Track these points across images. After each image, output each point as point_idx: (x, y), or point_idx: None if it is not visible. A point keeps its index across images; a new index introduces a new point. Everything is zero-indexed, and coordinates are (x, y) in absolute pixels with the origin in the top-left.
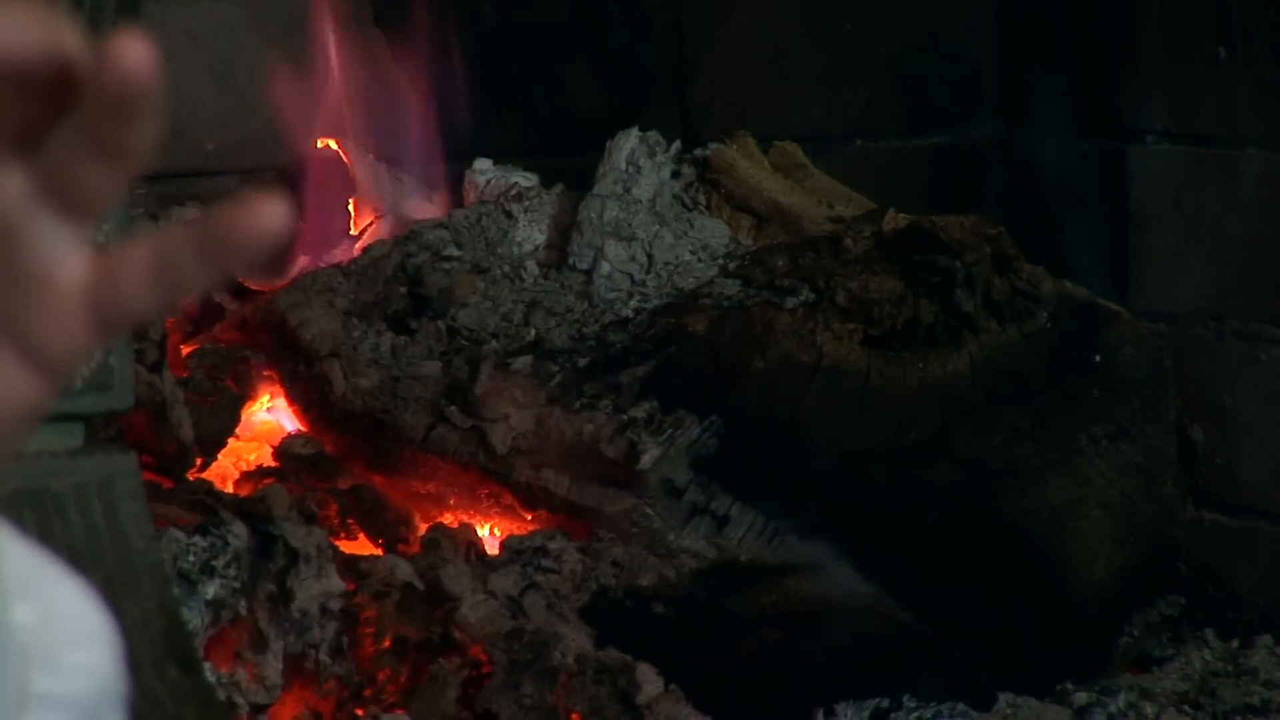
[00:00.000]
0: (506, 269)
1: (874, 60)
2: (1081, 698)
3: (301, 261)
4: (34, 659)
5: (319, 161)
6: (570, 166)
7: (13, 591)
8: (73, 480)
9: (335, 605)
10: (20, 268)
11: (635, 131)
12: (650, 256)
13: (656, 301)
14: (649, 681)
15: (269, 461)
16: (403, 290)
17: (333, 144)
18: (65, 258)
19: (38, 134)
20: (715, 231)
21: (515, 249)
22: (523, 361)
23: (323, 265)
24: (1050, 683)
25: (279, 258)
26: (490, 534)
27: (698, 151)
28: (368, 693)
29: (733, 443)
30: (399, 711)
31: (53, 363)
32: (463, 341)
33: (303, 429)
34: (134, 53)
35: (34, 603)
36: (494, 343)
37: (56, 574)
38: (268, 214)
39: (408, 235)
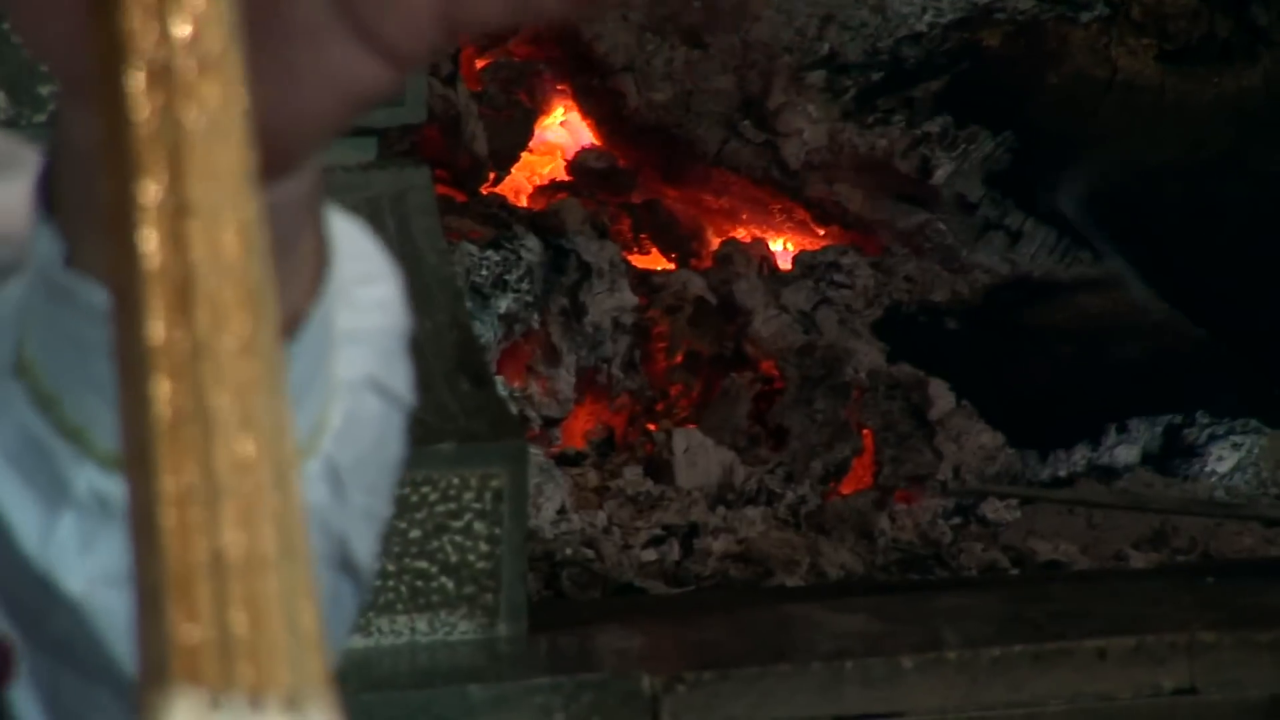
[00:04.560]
0: None
1: None
2: None
3: None
4: (334, 296)
5: None
6: None
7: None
8: (366, 194)
9: (627, 319)
10: None
11: None
12: None
13: (950, 16)
14: (941, 397)
15: (562, 176)
16: (696, 4)
17: None
18: None
19: None
20: None
21: None
22: (816, 76)
23: None
24: None
25: None
26: (783, 249)
27: None
28: (659, 407)
29: (1026, 158)
30: (690, 426)
31: (399, 54)
32: (756, 56)
33: (596, 143)
34: None
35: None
36: (787, 57)
37: (338, 214)
38: None
39: None
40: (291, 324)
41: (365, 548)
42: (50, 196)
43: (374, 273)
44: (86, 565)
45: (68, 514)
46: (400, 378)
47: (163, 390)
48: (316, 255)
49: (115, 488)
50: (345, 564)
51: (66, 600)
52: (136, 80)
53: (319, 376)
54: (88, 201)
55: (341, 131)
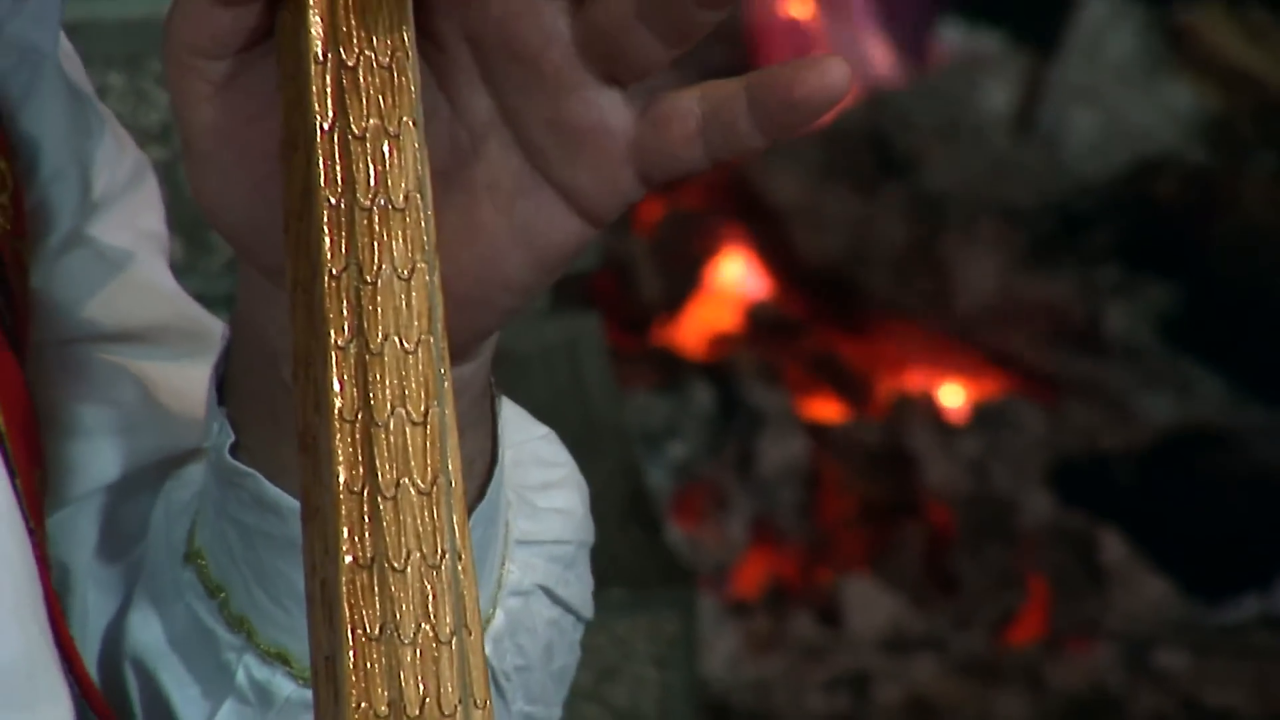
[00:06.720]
0: (972, 132)
1: None
2: None
3: None
4: (512, 504)
5: (777, 26)
6: (1037, 29)
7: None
8: (538, 343)
9: (799, 467)
10: (568, 119)
11: None
12: (1116, 121)
13: (1121, 167)
14: (1112, 545)
15: (733, 323)
16: (868, 153)
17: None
18: (612, 111)
19: None
20: (1182, 96)
21: (981, 112)
22: (988, 224)
23: None
24: None
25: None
26: (954, 397)
27: (1166, 15)
28: (830, 554)
29: (1198, 307)
30: (862, 573)
31: (594, 210)
32: (927, 203)
33: (767, 291)
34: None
35: (510, 448)
36: (959, 206)
37: (525, 419)
38: (830, 76)
39: (873, 98)
40: None
41: None
42: (224, 383)
43: (557, 480)
44: None
45: (228, 702)
46: (575, 588)
47: (344, 534)
48: (485, 457)
49: (275, 679)
50: None
51: None
52: (320, 228)
53: (483, 578)
54: (259, 391)
55: (532, 297)
